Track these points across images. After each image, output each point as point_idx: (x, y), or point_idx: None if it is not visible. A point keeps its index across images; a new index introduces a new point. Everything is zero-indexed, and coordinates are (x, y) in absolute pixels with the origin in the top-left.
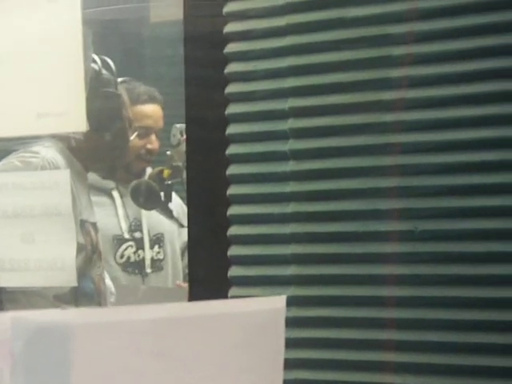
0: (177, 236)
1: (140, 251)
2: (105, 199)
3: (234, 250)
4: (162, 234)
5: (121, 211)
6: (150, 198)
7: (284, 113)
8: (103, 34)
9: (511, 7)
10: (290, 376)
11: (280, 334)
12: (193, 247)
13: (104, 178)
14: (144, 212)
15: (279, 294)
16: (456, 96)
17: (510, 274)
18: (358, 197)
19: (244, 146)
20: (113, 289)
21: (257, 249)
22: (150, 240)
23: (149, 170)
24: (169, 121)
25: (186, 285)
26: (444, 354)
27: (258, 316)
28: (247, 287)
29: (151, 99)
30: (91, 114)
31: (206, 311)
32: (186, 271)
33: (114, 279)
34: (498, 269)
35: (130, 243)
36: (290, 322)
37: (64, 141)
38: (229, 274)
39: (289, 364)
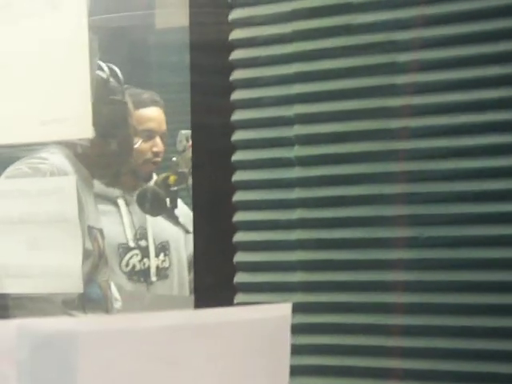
0: (183, 243)
1: (145, 259)
2: (110, 207)
3: (239, 257)
4: (168, 242)
5: (126, 219)
6: (155, 204)
7: (290, 119)
8: (109, 40)
9: None
10: (295, 382)
11: (286, 340)
12: (198, 253)
13: (110, 185)
14: (149, 220)
15: (285, 300)
16: (463, 102)
17: None
18: (363, 203)
19: (250, 152)
20: (118, 295)
21: (263, 255)
22: (156, 248)
23: (155, 177)
24: (174, 127)
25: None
26: (452, 360)
27: (264, 323)
28: (253, 293)
29: (153, 102)
30: (98, 121)
31: (212, 319)
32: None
33: (119, 287)
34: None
35: (135, 251)
36: (297, 329)
37: (70, 147)
38: (235, 281)
39: (295, 371)
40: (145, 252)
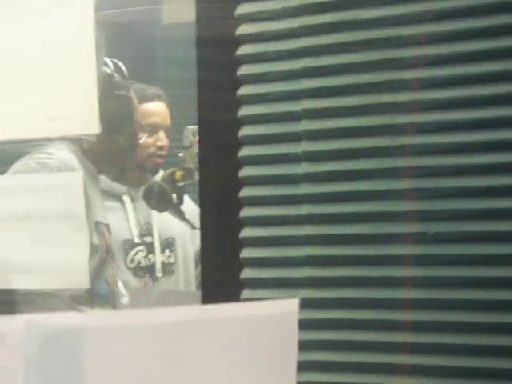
0: (189, 239)
1: (151, 255)
2: (115, 204)
3: (246, 252)
4: (174, 238)
5: (131, 215)
6: (162, 199)
7: (297, 115)
8: (115, 36)
9: None
10: (303, 378)
11: (293, 336)
12: (205, 249)
13: (116, 180)
14: (155, 216)
15: (293, 296)
16: (471, 97)
17: None
18: (371, 198)
19: (257, 147)
20: (124, 291)
21: (270, 251)
22: (161, 244)
23: (161, 172)
24: (181, 122)
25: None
26: (460, 356)
27: (271, 319)
28: (260, 289)
29: (156, 97)
30: (104, 117)
31: (220, 314)
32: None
33: (124, 283)
34: None
35: (141, 247)
36: (304, 324)
37: (76, 143)
38: (241, 276)
39: (302, 366)
40: (150, 248)
